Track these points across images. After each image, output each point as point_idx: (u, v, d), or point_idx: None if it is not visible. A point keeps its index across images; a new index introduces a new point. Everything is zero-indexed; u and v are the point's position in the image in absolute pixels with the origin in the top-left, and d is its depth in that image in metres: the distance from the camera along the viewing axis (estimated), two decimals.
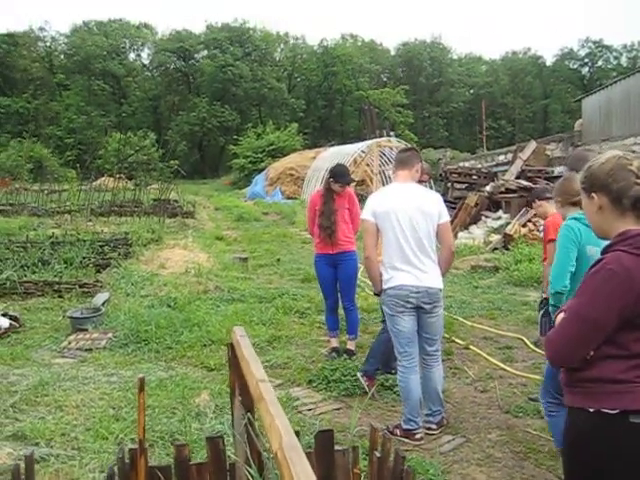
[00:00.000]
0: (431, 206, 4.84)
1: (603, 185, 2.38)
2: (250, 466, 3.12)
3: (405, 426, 4.87)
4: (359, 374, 5.88)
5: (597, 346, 2.30)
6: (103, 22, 69.24)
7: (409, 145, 25.14)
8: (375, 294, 5.15)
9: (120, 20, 70.49)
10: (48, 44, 68.54)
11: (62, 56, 67.63)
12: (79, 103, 59.93)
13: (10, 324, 7.80)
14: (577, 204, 4.09)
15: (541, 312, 5.09)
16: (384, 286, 4.88)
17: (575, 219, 4.06)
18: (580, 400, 2.39)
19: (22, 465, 3.12)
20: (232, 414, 3.32)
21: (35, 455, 3.78)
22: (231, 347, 3.14)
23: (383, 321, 5.85)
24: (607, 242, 2.45)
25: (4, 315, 7.95)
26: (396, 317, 4.83)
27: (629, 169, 2.35)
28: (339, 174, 6.94)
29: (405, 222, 4.77)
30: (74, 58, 62.92)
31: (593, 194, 2.42)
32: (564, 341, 2.36)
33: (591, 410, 2.33)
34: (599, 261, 2.33)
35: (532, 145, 19.31)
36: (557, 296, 4.00)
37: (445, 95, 73.02)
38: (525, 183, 16.13)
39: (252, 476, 3.09)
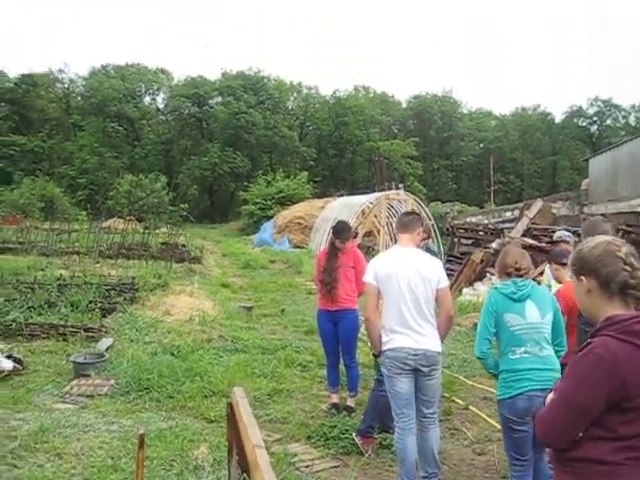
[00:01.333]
0: (431, 271, 4.96)
1: (592, 269, 2.48)
2: None
3: None
4: (354, 434, 5.93)
5: (585, 428, 2.36)
6: (121, 66, 70.53)
7: (417, 199, 25.44)
8: (374, 355, 5.22)
9: (137, 64, 71.81)
10: (66, 85, 69.79)
11: (79, 97, 68.76)
12: (93, 144, 60.65)
13: (14, 366, 7.85)
14: (510, 274, 4.53)
15: None
16: (383, 347, 4.96)
17: (495, 289, 4.54)
18: (570, 479, 2.44)
19: None
20: (229, 472, 3.38)
21: None
22: (230, 407, 3.22)
23: (377, 380, 5.92)
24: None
25: (8, 357, 8.01)
26: (394, 379, 4.89)
27: (617, 255, 2.44)
28: (339, 230, 7.12)
29: (405, 286, 4.88)
30: (91, 100, 63.91)
31: (582, 277, 2.52)
32: (553, 423, 2.42)
33: None
34: (587, 345, 2.41)
35: (538, 204, 19.47)
36: (480, 360, 4.62)
37: (455, 148, 73.70)
38: (531, 241, 16.22)
39: None
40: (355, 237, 7.56)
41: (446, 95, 77.00)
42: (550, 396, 2.56)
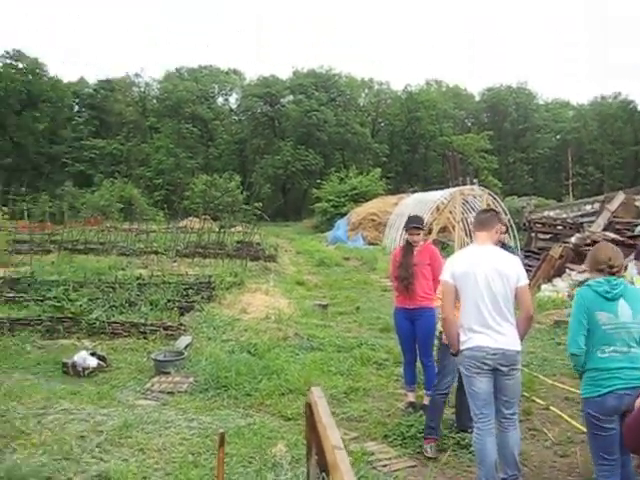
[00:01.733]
0: (509, 268, 4.85)
1: None
2: None
3: None
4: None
5: None
6: (194, 68, 72.00)
7: (492, 193, 25.02)
8: (452, 354, 5.13)
9: (210, 66, 73.13)
10: (142, 89, 71.68)
11: (154, 100, 70.44)
12: (168, 145, 62.00)
13: (98, 363, 8.12)
14: (603, 271, 4.41)
15: None
16: (461, 347, 4.88)
17: (588, 286, 4.45)
18: None
19: None
20: (308, 472, 3.38)
21: None
22: (309, 407, 3.22)
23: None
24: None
25: (92, 354, 8.28)
26: (472, 378, 4.81)
27: None
28: (409, 222, 7.10)
29: (483, 284, 4.79)
30: (166, 102, 65.39)
31: None
32: None
33: None
34: None
35: (620, 197, 18.79)
36: (573, 357, 4.46)
37: (531, 140, 72.01)
38: (613, 236, 15.68)
39: None
40: (429, 233, 7.46)
41: (521, 86, 75.32)
42: (639, 401, 2.47)
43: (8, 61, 60.15)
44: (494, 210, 5.54)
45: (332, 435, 2.48)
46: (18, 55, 60.34)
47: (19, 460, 4.86)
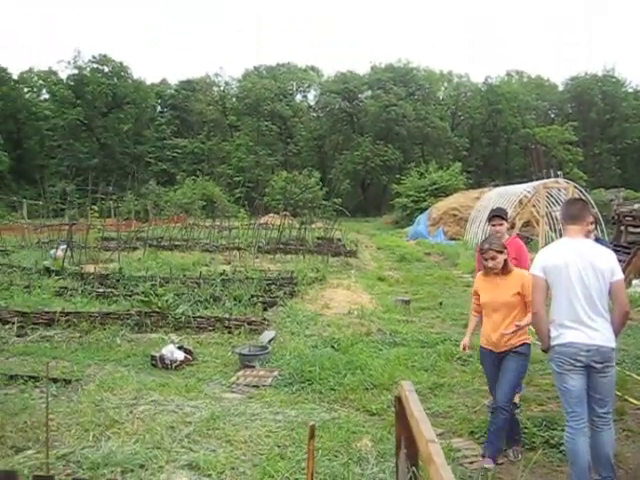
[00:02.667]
0: (603, 263, 4.66)
1: None
2: None
3: None
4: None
5: None
6: (272, 66, 72.91)
7: (578, 186, 24.28)
8: (543, 350, 4.98)
9: (288, 64, 73.89)
10: (222, 88, 72.98)
11: (234, 99, 71.56)
12: (248, 143, 62.92)
13: (185, 357, 8.28)
14: None
15: None
16: (552, 343, 4.73)
17: None
18: None
19: None
20: (397, 466, 3.35)
21: None
22: (398, 400, 3.19)
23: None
24: None
25: (180, 348, 8.46)
26: (564, 375, 4.66)
27: None
28: (491, 212, 6.96)
29: (576, 278, 4.63)
30: (245, 101, 66.30)
31: None
32: None
33: None
34: None
35: None
36: None
37: (618, 131, 69.21)
38: None
39: None
40: (512, 227, 7.26)
41: (607, 74, 72.43)
42: None
43: (95, 65, 62.28)
44: (583, 200, 5.33)
45: (425, 428, 2.44)
46: (104, 59, 62.54)
47: (114, 448, 5.02)
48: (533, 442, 5.76)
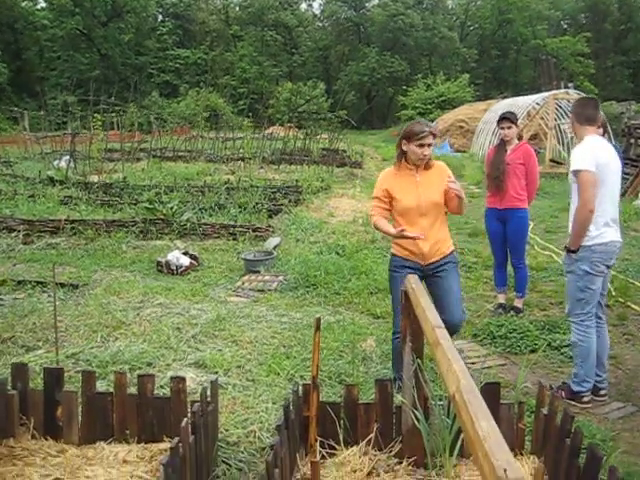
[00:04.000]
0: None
1: None
2: (417, 410, 3.19)
3: (577, 388, 4.74)
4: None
5: None
6: None
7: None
8: (570, 251, 4.85)
9: None
10: None
11: (237, 8, 69.66)
12: (252, 53, 61.70)
13: (190, 262, 8.34)
14: None
15: None
16: (589, 242, 4.62)
17: None
18: None
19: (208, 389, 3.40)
20: (401, 359, 3.38)
21: None
22: (405, 294, 3.19)
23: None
24: None
25: (185, 254, 8.51)
26: (596, 277, 4.63)
27: None
28: (500, 116, 6.84)
29: (617, 177, 4.71)
30: (248, 10, 64.61)
31: None
32: None
33: None
34: None
35: None
36: None
37: (633, 43, 66.61)
38: None
39: (418, 419, 3.16)
40: (520, 139, 7.12)
41: None
42: None
43: None
44: (595, 99, 5.13)
45: (431, 316, 2.44)
46: None
47: (121, 347, 5.09)
48: (535, 344, 5.83)
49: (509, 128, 6.65)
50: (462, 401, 1.67)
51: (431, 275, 4.73)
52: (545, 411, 3.36)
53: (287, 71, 63.23)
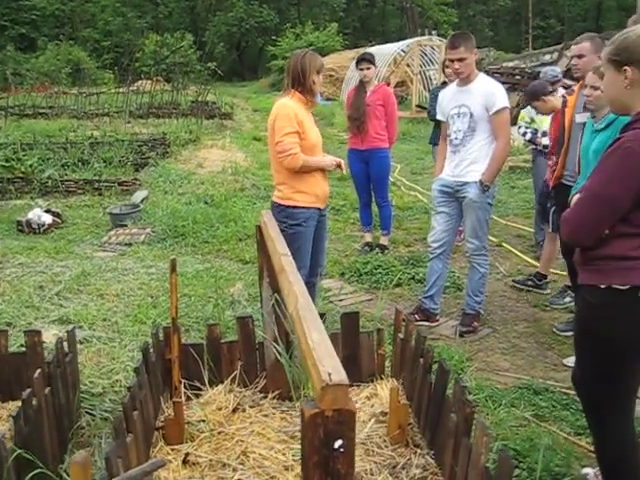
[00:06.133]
0: None
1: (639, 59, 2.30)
2: (278, 344, 3.26)
3: (481, 311, 5.18)
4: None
5: (612, 225, 2.31)
6: None
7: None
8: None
9: None
10: None
11: None
12: (114, 4, 58.82)
13: (53, 220, 8.05)
14: None
15: (552, 209, 5.12)
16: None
17: None
18: (592, 278, 2.43)
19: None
20: (260, 295, 3.43)
21: (79, 336, 4.01)
22: (259, 229, 3.22)
23: None
24: None
25: (47, 211, 8.19)
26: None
27: None
28: (358, 57, 6.94)
29: None
30: None
31: (626, 67, 2.33)
32: (581, 220, 2.37)
33: (602, 286, 2.38)
34: (617, 140, 2.30)
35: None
36: None
37: None
38: (570, 82, 15.56)
39: (279, 353, 3.24)
40: (388, 85, 7.24)
41: None
42: (576, 197, 2.50)
43: None
44: (467, 33, 5.13)
45: (280, 246, 2.48)
46: None
47: None
48: (400, 279, 6.06)
49: (368, 69, 6.74)
50: (298, 317, 1.73)
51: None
52: (401, 335, 3.51)
53: (153, 23, 60.86)
